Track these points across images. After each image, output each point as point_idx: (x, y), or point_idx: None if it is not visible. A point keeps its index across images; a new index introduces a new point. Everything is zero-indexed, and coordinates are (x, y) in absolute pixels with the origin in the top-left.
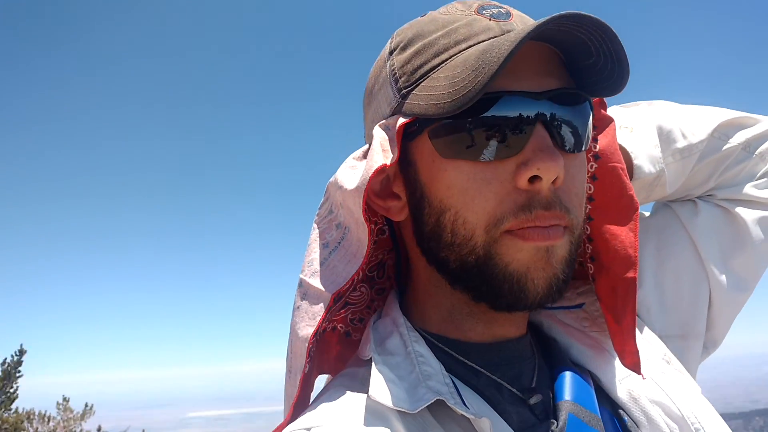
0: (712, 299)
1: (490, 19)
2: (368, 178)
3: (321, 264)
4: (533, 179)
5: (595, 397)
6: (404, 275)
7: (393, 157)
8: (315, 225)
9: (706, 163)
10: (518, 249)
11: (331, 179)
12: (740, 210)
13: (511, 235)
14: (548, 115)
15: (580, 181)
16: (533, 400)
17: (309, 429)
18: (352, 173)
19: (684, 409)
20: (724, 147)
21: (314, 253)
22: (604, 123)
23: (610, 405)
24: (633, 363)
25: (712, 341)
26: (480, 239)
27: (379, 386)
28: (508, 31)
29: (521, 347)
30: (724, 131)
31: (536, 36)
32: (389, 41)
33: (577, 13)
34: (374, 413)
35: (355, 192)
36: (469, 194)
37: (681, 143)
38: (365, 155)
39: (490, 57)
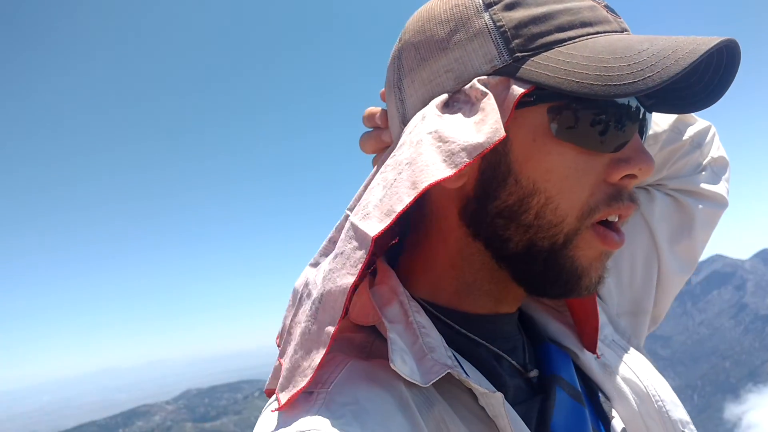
0: (660, 280)
1: (607, 11)
2: (493, 142)
3: (375, 206)
4: (626, 177)
5: (575, 373)
6: (411, 242)
7: (503, 124)
8: (378, 165)
9: (664, 153)
10: (591, 247)
11: (422, 131)
12: (687, 199)
13: (594, 232)
14: (646, 122)
15: None
16: (532, 374)
17: (311, 393)
18: (460, 126)
19: (648, 386)
20: (681, 140)
21: (371, 195)
22: None
23: (583, 381)
24: (590, 344)
25: (655, 319)
26: (569, 227)
27: (397, 354)
28: (625, 30)
29: (514, 323)
30: (678, 125)
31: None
32: None
33: (736, 43)
34: (381, 382)
35: (475, 146)
36: (569, 182)
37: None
38: (450, 107)
39: (661, 57)
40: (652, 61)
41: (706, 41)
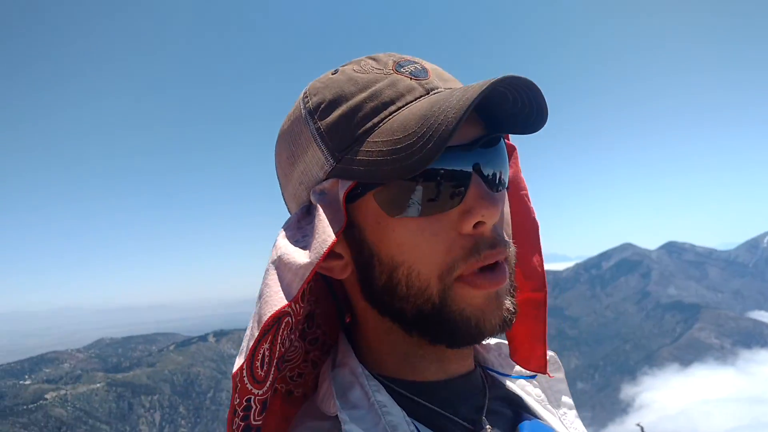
0: None
1: (411, 78)
2: (321, 254)
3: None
4: (477, 224)
5: None
6: (350, 324)
7: (341, 225)
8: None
9: None
10: (471, 296)
11: (273, 258)
12: None
13: (463, 283)
14: (482, 164)
15: (507, 215)
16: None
17: None
18: (299, 250)
19: None
20: None
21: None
22: (509, 152)
23: None
24: (538, 366)
25: None
26: (435, 288)
27: None
28: (431, 89)
29: (472, 380)
30: None
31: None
32: (302, 100)
33: (510, 76)
34: None
35: (305, 267)
36: (421, 248)
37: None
38: (300, 223)
39: (436, 124)
40: (433, 129)
41: (468, 94)
